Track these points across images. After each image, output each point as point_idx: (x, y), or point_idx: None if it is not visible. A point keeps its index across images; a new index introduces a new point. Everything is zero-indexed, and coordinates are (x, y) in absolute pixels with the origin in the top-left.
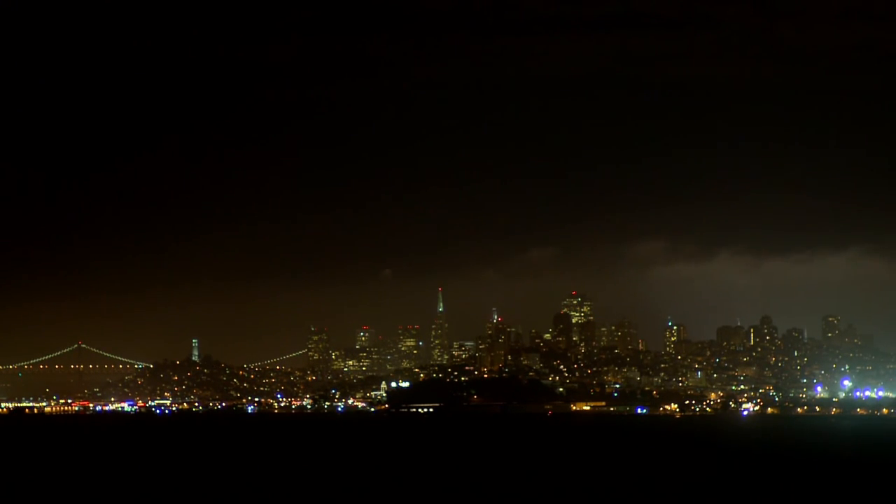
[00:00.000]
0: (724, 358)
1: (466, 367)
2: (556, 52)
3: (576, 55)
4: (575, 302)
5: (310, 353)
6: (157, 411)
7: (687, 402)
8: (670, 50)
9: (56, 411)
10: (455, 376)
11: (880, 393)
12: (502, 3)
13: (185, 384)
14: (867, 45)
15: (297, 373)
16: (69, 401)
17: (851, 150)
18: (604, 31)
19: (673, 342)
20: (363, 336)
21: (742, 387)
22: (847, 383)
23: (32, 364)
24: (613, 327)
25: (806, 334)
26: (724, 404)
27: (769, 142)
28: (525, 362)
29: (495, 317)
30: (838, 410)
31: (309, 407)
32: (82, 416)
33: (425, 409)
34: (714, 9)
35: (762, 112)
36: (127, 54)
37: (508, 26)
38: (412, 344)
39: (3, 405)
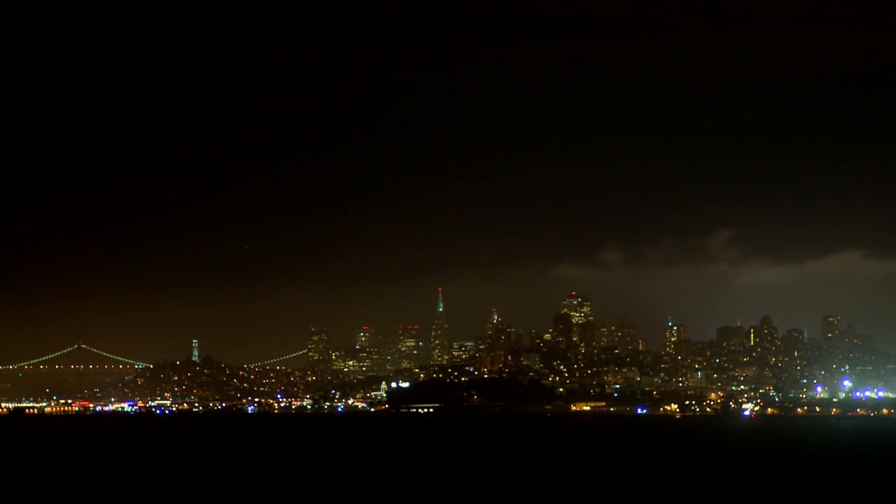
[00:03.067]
0: (724, 358)
1: (466, 368)
2: (511, 56)
3: (531, 60)
4: (575, 302)
5: (310, 354)
6: (157, 412)
7: (687, 402)
8: (625, 54)
9: (56, 411)
10: (455, 376)
11: (880, 393)
12: (454, 10)
13: (185, 384)
14: (822, 48)
15: (297, 373)
16: (69, 401)
17: (834, 150)
18: (559, 35)
19: (673, 342)
20: (363, 336)
21: (742, 387)
22: (847, 383)
23: (32, 364)
24: (613, 327)
25: (806, 334)
26: (724, 404)
27: (748, 144)
28: (525, 362)
29: (495, 317)
30: (838, 410)
31: (309, 407)
32: (82, 416)
33: (425, 410)
34: (666, 13)
35: (741, 117)
36: (127, 56)
37: (462, 32)
38: (412, 344)
39: (3, 405)
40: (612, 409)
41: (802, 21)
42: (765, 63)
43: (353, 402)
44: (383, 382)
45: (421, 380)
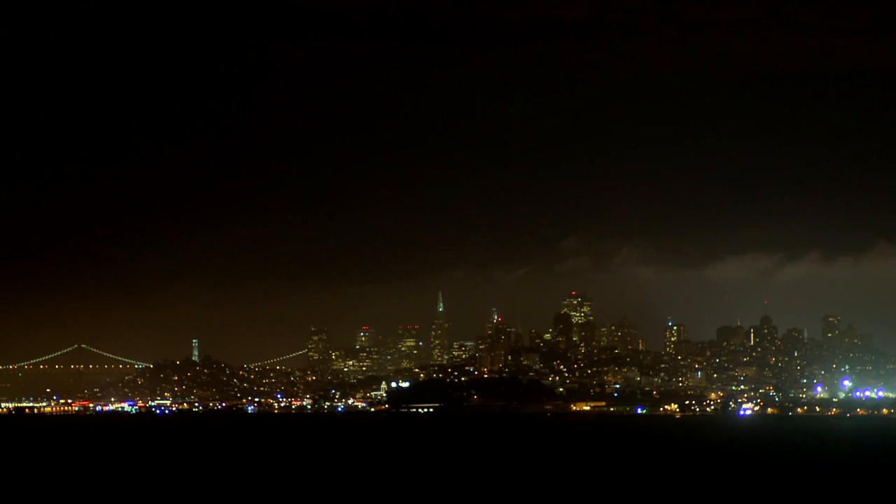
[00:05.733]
0: (724, 358)
1: (466, 368)
2: (475, 60)
3: (495, 64)
4: (575, 302)
5: (310, 353)
6: (157, 411)
7: (687, 402)
8: (587, 58)
9: (56, 411)
10: (455, 376)
11: (880, 393)
12: (415, 13)
13: (185, 384)
14: (780, 50)
15: (297, 373)
16: (69, 401)
17: (817, 150)
18: (521, 39)
19: (673, 342)
20: (363, 336)
21: (742, 387)
22: (847, 383)
23: (32, 364)
24: (613, 327)
25: (806, 334)
26: (724, 404)
27: (730, 144)
28: (525, 362)
29: (495, 317)
30: (838, 410)
31: (309, 407)
32: (82, 416)
33: (425, 410)
34: (624, 17)
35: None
36: (126, 56)
37: (426, 36)
38: (412, 344)
39: (3, 405)
40: (611, 409)
41: (759, 24)
42: (725, 65)
43: (353, 402)
44: (383, 382)
45: (421, 380)
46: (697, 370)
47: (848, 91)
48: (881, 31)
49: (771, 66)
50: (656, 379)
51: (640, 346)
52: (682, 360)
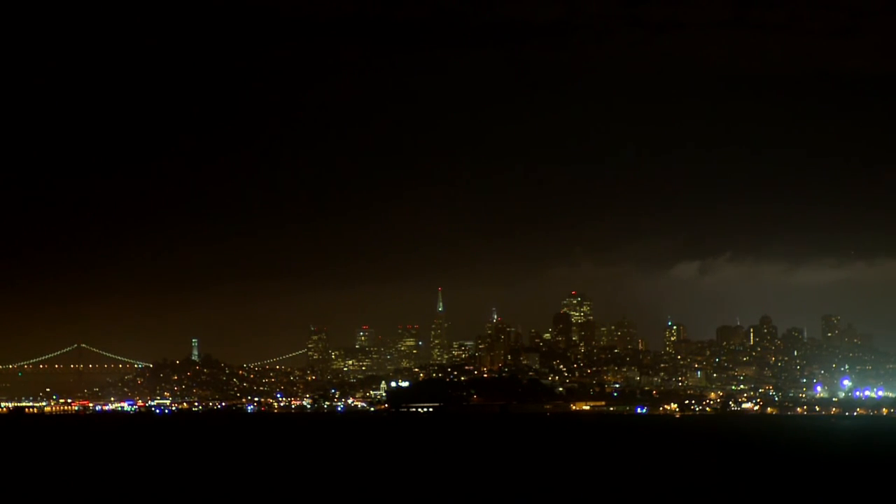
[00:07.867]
0: (724, 358)
1: (466, 367)
2: (454, 63)
3: (471, 67)
4: (575, 302)
5: (310, 353)
6: (157, 411)
7: (687, 401)
8: (554, 60)
9: (56, 411)
10: (455, 376)
11: (880, 393)
12: (389, 18)
13: (184, 384)
14: (747, 52)
15: (297, 372)
16: (69, 401)
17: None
18: (488, 41)
19: (673, 342)
20: (363, 336)
21: (742, 387)
22: (847, 383)
23: (32, 364)
24: (613, 327)
25: (806, 334)
26: (724, 404)
27: (720, 145)
28: (525, 362)
29: (495, 317)
30: (838, 410)
31: (309, 407)
32: (82, 416)
33: (425, 409)
34: (592, 21)
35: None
36: (126, 57)
37: (399, 40)
38: (412, 344)
39: (3, 405)
40: (611, 409)
41: (726, 26)
42: (692, 68)
43: (352, 402)
44: (383, 382)
45: (421, 379)
46: (697, 370)
47: (818, 92)
48: (847, 33)
49: (737, 68)
50: (656, 378)
51: (640, 346)
52: (681, 359)
